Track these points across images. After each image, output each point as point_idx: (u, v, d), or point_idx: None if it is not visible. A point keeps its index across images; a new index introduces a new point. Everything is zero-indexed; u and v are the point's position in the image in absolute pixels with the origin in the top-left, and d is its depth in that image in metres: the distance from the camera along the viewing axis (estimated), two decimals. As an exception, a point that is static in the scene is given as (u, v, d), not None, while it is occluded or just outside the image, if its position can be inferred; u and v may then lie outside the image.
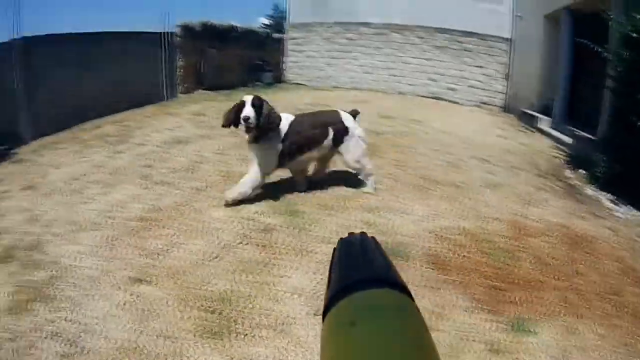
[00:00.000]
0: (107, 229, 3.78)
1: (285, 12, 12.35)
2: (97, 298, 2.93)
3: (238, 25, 11.22)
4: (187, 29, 10.11)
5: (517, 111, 8.93)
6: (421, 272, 2.78)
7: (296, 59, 11.78)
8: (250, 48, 11.09)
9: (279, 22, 13.43)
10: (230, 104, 8.46)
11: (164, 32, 9.70)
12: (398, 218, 3.42)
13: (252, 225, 3.50)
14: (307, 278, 2.84)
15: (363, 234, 0.63)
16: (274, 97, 9.24)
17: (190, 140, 5.93)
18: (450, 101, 9.85)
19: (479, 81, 10.00)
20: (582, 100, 7.36)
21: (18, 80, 7.24)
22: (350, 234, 0.64)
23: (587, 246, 3.57)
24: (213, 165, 5.02)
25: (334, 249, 0.61)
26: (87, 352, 2.50)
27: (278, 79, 11.60)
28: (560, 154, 6.39)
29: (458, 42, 10.21)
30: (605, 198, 4.90)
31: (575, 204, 4.54)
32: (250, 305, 2.72)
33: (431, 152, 5.28)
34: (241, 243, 3.32)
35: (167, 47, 9.72)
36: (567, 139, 6.89)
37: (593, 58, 5.61)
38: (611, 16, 5.33)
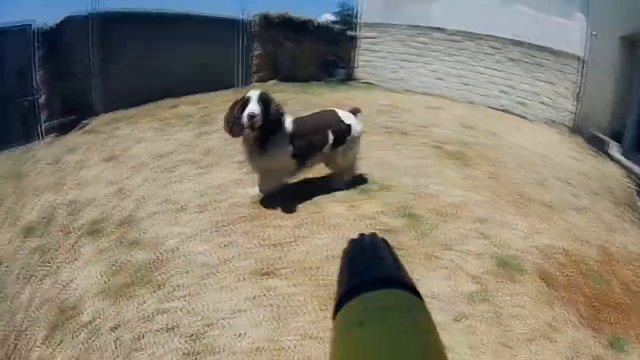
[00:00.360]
0: (213, 212, 3.80)
1: (356, 10, 12.46)
2: (217, 289, 2.84)
3: (314, 19, 11.46)
4: (265, 19, 10.40)
5: (586, 133, 8.83)
6: (536, 286, 3.09)
7: (368, 58, 11.89)
8: (324, 43, 11.31)
9: (345, 19, 13.50)
10: (306, 98, 8.70)
11: (243, 20, 10.03)
12: (506, 232, 3.72)
13: (374, 224, 3.66)
14: (439, 284, 3.00)
15: (373, 234, 0.66)
16: (348, 95, 9.66)
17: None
18: (519, 116, 9.96)
19: (549, 98, 9.90)
20: None
21: (93, 54, 7.62)
22: (361, 235, 0.67)
23: None
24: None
25: (344, 250, 0.65)
26: (219, 351, 2.39)
27: (349, 76, 11.80)
28: (632, 184, 6.51)
29: (531, 56, 10.14)
30: None
31: None
32: (393, 308, 2.80)
33: (518, 167, 5.52)
34: (369, 242, 3.45)
35: (245, 35, 10.05)
36: (638, 169, 6.98)
37: None
38: None
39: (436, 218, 3.82)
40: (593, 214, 4.70)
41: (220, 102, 8.09)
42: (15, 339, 2.62)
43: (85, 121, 7.08)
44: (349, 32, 11.88)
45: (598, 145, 8.28)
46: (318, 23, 11.36)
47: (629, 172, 7.06)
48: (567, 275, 3.35)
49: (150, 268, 3.12)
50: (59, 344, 2.54)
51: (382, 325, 0.50)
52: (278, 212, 3.85)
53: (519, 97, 10.28)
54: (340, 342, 0.52)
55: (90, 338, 2.56)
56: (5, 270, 3.28)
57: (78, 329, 2.64)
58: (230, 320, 2.60)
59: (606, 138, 8.24)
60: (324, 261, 3.18)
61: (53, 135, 6.67)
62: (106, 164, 5.09)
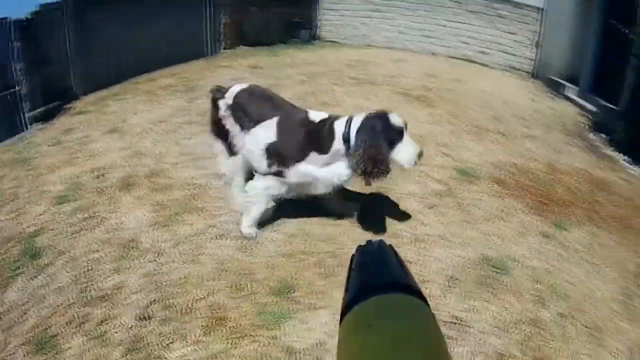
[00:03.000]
0: None
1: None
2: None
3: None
4: None
5: (545, 78, 9.89)
6: (490, 186, 4.19)
7: (331, 17, 12.73)
8: (287, 6, 12.04)
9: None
10: (277, 60, 9.55)
11: None
12: (464, 152, 4.83)
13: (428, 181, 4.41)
14: (413, 186, 4.06)
15: (381, 241, 0.74)
16: (316, 54, 10.71)
17: (264, 89, 6.99)
18: (481, 64, 11.02)
19: (510, 47, 10.93)
20: (608, 73, 8.13)
21: (69, 40, 7.83)
22: (368, 241, 0.75)
23: (605, 187, 4.83)
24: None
25: (352, 255, 0.73)
26: (263, 241, 3.39)
27: (313, 36, 12.66)
28: (585, 120, 7.58)
29: (492, 8, 11.10)
30: (622, 159, 5.97)
31: (596, 159, 5.75)
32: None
33: (476, 107, 6.64)
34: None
35: (211, 4, 10.66)
36: (592, 107, 8.00)
37: (621, 37, 6.58)
38: None
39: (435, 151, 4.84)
40: (542, 141, 5.81)
41: (197, 70, 8.98)
42: (85, 277, 3.13)
43: (68, 105, 7.38)
44: (311, -7, 12.59)
45: (556, 88, 9.32)
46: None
47: (583, 110, 8.16)
48: (516, 180, 4.46)
49: (189, 200, 3.90)
50: (128, 269, 3.16)
51: (390, 328, 0.56)
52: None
53: (480, 46, 11.25)
54: (348, 343, 0.59)
55: (156, 257, 3.24)
56: (52, 232, 3.69)
57: (142, 254, 3.29)
58: (267, 221, 3.54)
59: (563, 81, 9.27)
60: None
61: (39, 123, 6.83)
62: (111, 135, 5.57)
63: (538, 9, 10.47)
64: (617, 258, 3.61)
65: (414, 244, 3.23)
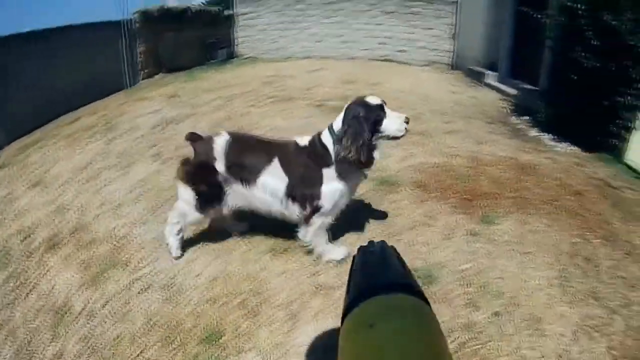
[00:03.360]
0: (147, 200, 4.50)
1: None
2: (168, 252, 3.67)
3: (192, 6, 12.03)
4: (145, 15, 10.77)
5: (465, 68, 10.21)
6: (411, 192, 4.07)
7: (248, 34, 12.74)
8: (204, 27, 11.97)
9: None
10: (195, 85, 9.38)
11: (124, 20, 10.29)
12: (384, 160, 4.62)
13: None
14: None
15: (383, 242, 0.75)
16: (234, 73, 10.47)
17: (180, 119, 6.77)
18: (400, 62, 11.19)
19: (427, 42, 11.25)
20: (524, 57, 8.48)
21: None
22: (370, 242, 0.76)
23: (532, 170, 4.82)
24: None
25: (354, 256, 0.73)
26: (185, 290, 3.26)
27: (231, 55, 12.59)
28: (506, 105, 7.69)
29: (406, 6, 11.44)
30: (546, 138, 6.08)
31: (520, 143, 5.79)
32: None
33: (395, 108, 6.52)
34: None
35: (127, 35, 10.37)
36: (512, 91, 8.23)
37: (534, 22, 6.59)
38: None
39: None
40: (464, 134, 5.79)
41: (115, 106, 8.61)
42: (27, 349, 3.05)
43: (-10, 159, 7.11)
44: (225, 12, 12.52)
45: (476, 77, 9.58)
46: (196, 9, 11.90)
47: (504, 94, 8.32)
48: (439, 181, 4.36)
49: (113, 254, 3.80)
50: (65, 335, 3.08)
51: (392, 327, 0.56)
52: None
53: (398, 45, 11.49)
54: (350, 343, 0.59)
55: (89, 320, 3.16)
56: (-11, 305, 3.65)
57: (76, 318, 3.21)
58: (188, 267, 3.43)
59: (482, 69, 9.52)
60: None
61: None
62: (34, 189, 5.41)
63: (452, 2, 10.88)
64: (551, 241, 3.55)
65: (336, 267, 3.10)
